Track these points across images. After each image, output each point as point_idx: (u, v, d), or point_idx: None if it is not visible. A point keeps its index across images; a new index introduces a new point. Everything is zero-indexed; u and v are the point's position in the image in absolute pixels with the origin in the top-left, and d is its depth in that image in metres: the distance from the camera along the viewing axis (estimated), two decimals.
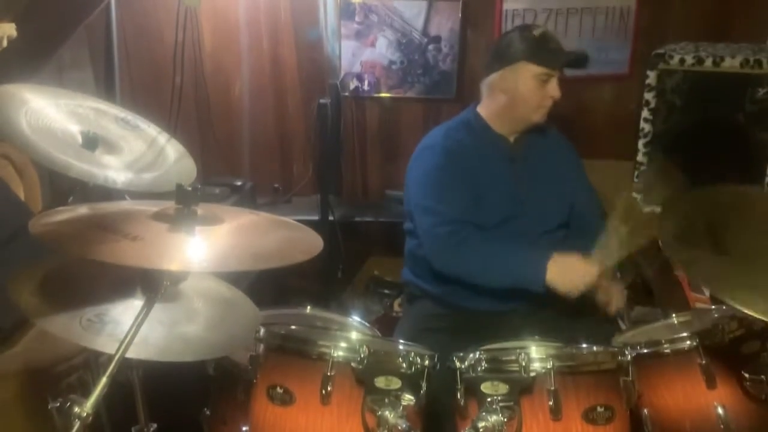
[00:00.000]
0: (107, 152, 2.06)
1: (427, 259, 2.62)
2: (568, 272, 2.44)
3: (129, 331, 1.48)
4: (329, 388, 1.87)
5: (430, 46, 3.94)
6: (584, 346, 2.03)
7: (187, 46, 3.83)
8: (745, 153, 3.35)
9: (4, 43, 2.51)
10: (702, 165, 3.38)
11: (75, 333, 1.56)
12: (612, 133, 4.00)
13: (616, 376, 1.93)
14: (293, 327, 2.12)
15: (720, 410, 1.94)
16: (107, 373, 1.43)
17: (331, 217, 3.69)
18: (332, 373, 1.88)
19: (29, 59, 2.95)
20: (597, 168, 3.10)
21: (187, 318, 1.75)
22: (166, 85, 3.84)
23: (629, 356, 1.95)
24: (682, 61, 3.39)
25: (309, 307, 2.39)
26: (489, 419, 1.82)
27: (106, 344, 1.53)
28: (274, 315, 2.27)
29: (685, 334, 2.02)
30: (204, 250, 1.57)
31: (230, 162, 4.12)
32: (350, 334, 2.11)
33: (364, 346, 1.90)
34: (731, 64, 3.31)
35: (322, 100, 3.57)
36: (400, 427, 1.83)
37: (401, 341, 2.12)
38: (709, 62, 3.35)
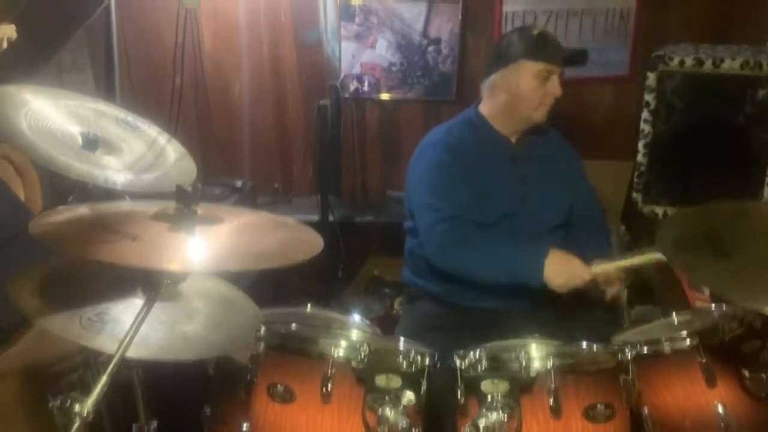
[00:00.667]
0: (107, 153, 2.06)
1: (426, 256, 2.63)
2: (564, 269, 2.44)
3: (129, 330, 1.48)
4: (330, 387, 1.87)
5: (430, 48, 3.95)
6: (584, 344, 2.04)
7: (187, 47, 3.83)
8: (746, 155, 3.35)
9: (5, 45, 2.51)
10: (702, 167, 3.40)
11: (75, 332, 1.56)
12: (612, 134, 4.00)
13: (617, 375, 1.93)
14: (294, 326, 2.12)
15: (720, 409, 1.94)
16: (107, 372, 1.43)
17: (331, 218, 3.70)
18: (333, 372, 1.88)
19: (29, 60, 2.95)
20: (597, 169, 3.10)
21: (188, 317, 1.74)
22: (166, 86, 3.84)
23: (629, 355, 1.95)
24: (682, 62, 3.40)
25: (309, 307, 2.39)
26: (489, 417, 1.83)
27: (107, 343, 1.53)
28: (275, 314, 2.27)
29: (685, 333, 2.02)
30: (204, 250, 1.57)
31: (230, 162, 4.13)
32: (351, 333, 2.12)
33: (365, 345, 1.91)
34: (731, 65, 3.31)
35: (322, 102, 3.58)
36: (400, 426, 1.84)
37: (402, 340, 2.12)
38: (709, 64, 3.35)
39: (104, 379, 1.43)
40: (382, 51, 3.96)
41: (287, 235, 1.75)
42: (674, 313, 2.32)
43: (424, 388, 1.95)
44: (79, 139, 2.02)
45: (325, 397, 1.87)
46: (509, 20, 3.90)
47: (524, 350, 1.91)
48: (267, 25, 3.97)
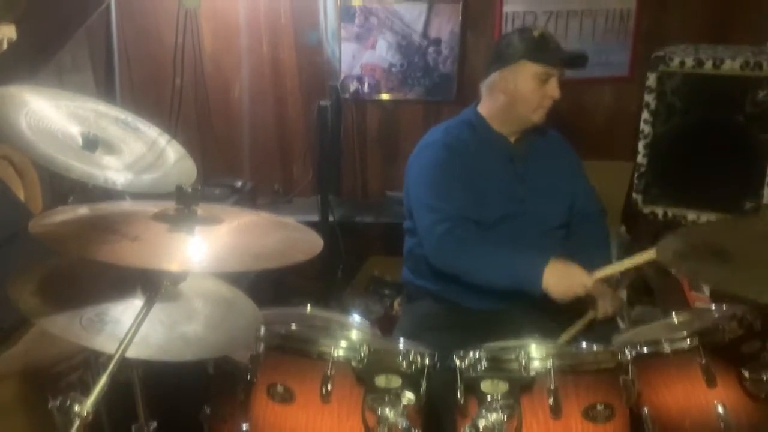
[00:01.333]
0: (107, 153, 2.06)
1: (426, 256, 2.63)
2: (564, 278, 2.43)
3: (129, 330, 1.48)
4: (329, 387, 1.87)
5: (430, 49, 3.95)
6: (584, 344, 2.04)
7: (187, 48, 3.84)
8: (746, 155, 3.35)
9: (5, 45, 2.51)
10: (702, 167, 3.40)
11: (75, 332, 1.56)
12: (612, 134, 4.01)
13: (616, 375, 1.93)
14: (293, 326, 2.12)
15: (720, 409, 1.94)
16: (107, 372, 1.44)
17: (331, 218, 3.70)
18: (332, 372, 1.88)
19: (29, 61, 2.95)
20: (597, 169, 3.10)
21: (187, 317, 1.75)
22: (166, 87, 3.84)
23: (629, 355, 1.95)
24: (682, 63, 3.40)
25: (309, 307, 2.39)
26: (489, 418, 1.82)
27: (106, 344, 1.53)
28: (275, 314, 2.27)
29: (685, 334, 2.02)
30: (204, 250, 1.57)
31: (230, 163, 4.13)
32: (350, 333, 2.12)
33: (365, 345, 1.91)
34: (731, 66, 3.31)
35: (322, 102, 3.57)
36: (400, 426, 1.83)
37: (401, 340, 2.12)
38: (709, 64, 3.35)
39: (104, 379, 1.43)
40: (382, 52, 3.97)
41: (287, 236, 1.76)
42: (674, 313, 2.32)
43: (423, 388, 1.95)
44: (79, 140, 2.02)
45: (325, 398, 1.87)
46: (509, 20, 3.90)
47: (524, 350, 1.91)
48: (267, 26, 3.97)
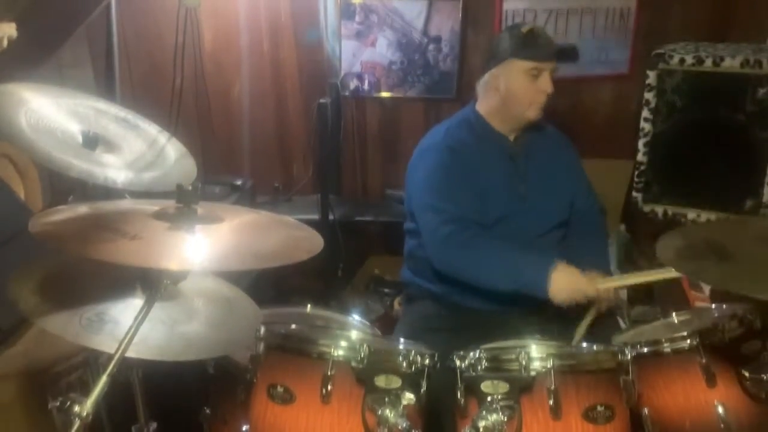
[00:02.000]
0: (107, 152, 2.06)
1: (429, 258, 2.62)
2: (568, 285, 2.42)
3: (129, 330, 1.48)
4: (329, 387, 1.87)
5: (431, 46, 3.94)
6: (584, 345, 2.04)
7: (187, 46, 3.82)
8: (746, 153, 3.35)
9: (5, 43, 2.50)
10: (702, 165, 3.40)
11: (75, 332, 1.56)
12: (612, 132, 4.00)
13: (616, 376, 1.93)
14: (294, 326, 2.12)
15: (720, 409, 1.94)
16: (107, 373, 1.43)
17: (331, 217, 3.69)
18: (332, 372, 1.88)
19: (29, 59, 2.95)
20: (597, 167, 3.10)
21: (187, 317, 1.75)
22: (166, 85, 3.83)
23: (629, 355, 1.95)
24: (682, 61, 3.39)
25: (309, 306, 2.39)
26: (489, 418, 1.83)
27: (106, 343, 1.53)
28: (275, 314, 2.27)
29: (685, 333, 2.02)
30: (204, 249, 1.57)
31: (230, 161, 4.13)
32: (350, 334, 2.11)
33: (365, 346, 1.91)
34: (731, 64, 3.31)
35: (322, 100, 3.57)
36: (400, 426, 1.83)
37: (401, 340, 2.12)
38: (709, 62, 3.35)
39: (104, 379, 1.43)
40: (382, 49, 3.96)
41: (287, 235, 1.76)
42: (674, 313, 2.32)
43: (423, 388, 1.96)
44: (79, 138, 2.02)
45: (325, 398, 1.87)
46: (509, 18, 3.90)
47: (524, 351, 1.91)
48: (267, 24, 3.96)
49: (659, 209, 3.56)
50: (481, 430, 1.82)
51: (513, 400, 1.87)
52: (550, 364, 1.88)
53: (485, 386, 1.90)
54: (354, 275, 3.96)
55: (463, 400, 1.92)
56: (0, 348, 2.08)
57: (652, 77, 3.45)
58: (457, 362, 1.96)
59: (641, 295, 3.52)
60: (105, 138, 2.07)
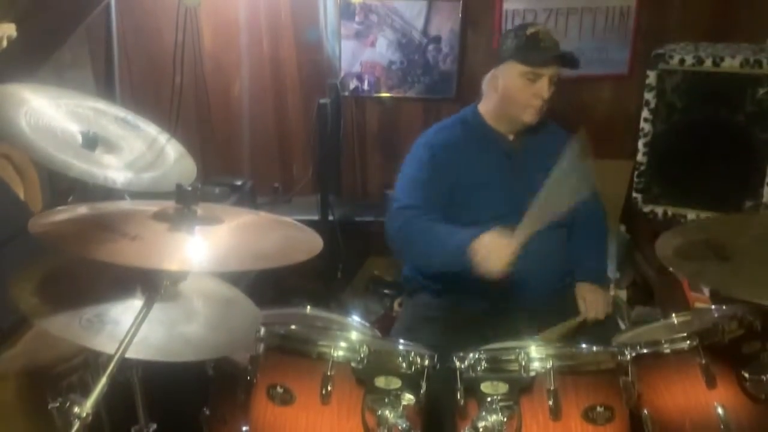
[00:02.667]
0: (107, 152, 2.06)
1: None
2: (491, 251, 2.32)
3: (129, 330, 1.48)
4: (329, 388, 1.87)
5: (430, 46, 3.94)
6: (584, 345, 2.04)
7: (187, 46, 3.83)
8: (746, 153, 3.35)
9: (4, 43, 2.50)
10: (702, 166, 3.40)
11: (75, 333, 1.56)
12: (612, 133, 3.99)
13: (616, 376, 1.93)
14: (293, 327, 2.12)
15: (720, 410, 1.94)
16: (107, 373, 1.43)
17: (330, 217, 3.69)
18: (332, 373, 1.88)
19: (29, 59, 2.95)
20: (597, 168, 3.08)
21: (187, 318, 1.75)
22: (166, 85, 3.83)
23: (629, 356, 1.95)
24: (682, 61, 3.39)
25: (309, 307, 2.39)
26: (489, 419, 1.83)
27: (106, 344, 1.53)
28: (274, 315, 2.27)
29: (685, 334, 2.02)
30: (204, 249, 1.57)
31: (230, 162, 4.13)
32: (350, 334, 2.11)
33: (364, 346, 1.91)
34: (731, 64, 3.31)
35: (322, 100, 3.57)
36: (400, 427, 1.83)
37: (401, 341, 2.12)
38: (709, 62, 3.35)
39: (104, 380, 1.43)
40: (382, 49, 3.96)
41: (287, 235, 1.76)
42: (674, 314, 2.32)
43: (423, 389, 1.95)
44: (79, 138, 2.02)
45: (325, 398, 1.87)
46: (509, 18, 3.89)
47: (524, 351, 1.91)
48: (267, 24, 3.96)
49: (659, 209, 3.56)
50: (480, 430, 1.82)
51: (512, 400, 1.87)
52: (549, 364, 1.88)
53: (485, 387, 1.90)
54: (354, 276, 3.96)
55: (462, 400, 1.92)
56: (0, 348, 2.09)
57: (652, 77, 3.45)
58: (457, 363, 1.95)
59: (641, 295, 3.52)
60: (105, 138, 2.07)
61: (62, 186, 2.19)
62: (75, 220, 1.64)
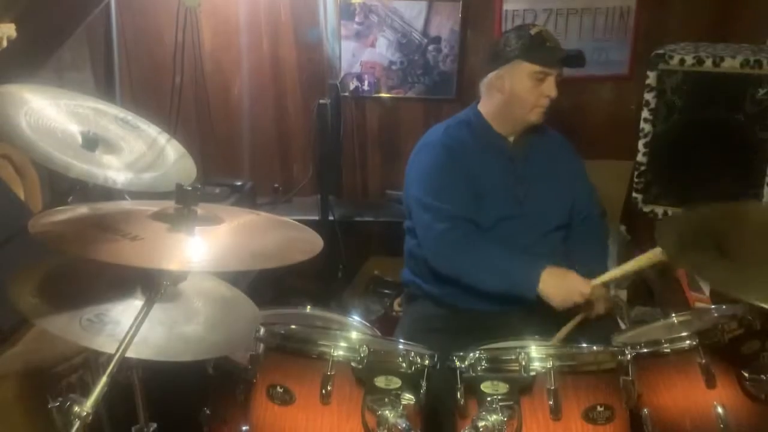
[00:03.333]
0: (107, 152, 2.05)
1: (424, 256, 2.62)
2: (561, 286, 2.43)
3: (129, 330, 1.48)
4: (329, 388, 1.87)
5: (430, 47, 3.94)
6: (584, 345, 2.04)
7: (187, 47, 3.83)
8: (746, 153, 3.34)
9: (4, 44, 2.50)
10: (702, 166, 3.39)
11: (75, 333, 1.56)
12: (612, 133, 3.99)
13: (616, 376, 1.93)
14: (293, 326, 2.12)
15: (720, 410, 1.94)
16: (107, 373, 1.43)
17: (331, 217, 3.69)
18: (332, 373, 1.88)
19: (29, 59, 2.95)
20: (597, 168, 3.10)
21: (187, 318, 1.75)
22: (166, 85, 3.84)
23: (629, 356, 1.95)
24: (682, 61, 3.39)
25: (309, 307, 2.39)
26: (489, 419, 1.82)
27: (106, 344, 1.53)
28: (274, 315, 2.27)
29: (684, 334, 2.03)
30: (204, 249, 1.57)
31: (230, 162, 4.13)
32: (350, 334, 2.11)
33: (364, 346, 1.91)
34: (731, 64, 3.30)
35: (322, 101, 3.57)
36: (399, 427, 1.83)
37: (401, 341, 2.12)
38: (709, 62, 3.34)
39: (104, 380, 1.43)
40: (382, 50, 3.96)
41: (287, 235, 1.76)
42: (674, 313, 2.32)
43: (423, 389, 1.95)
44: (79, 139, 2.01)
45: (325, 398, 1.87)
46: (509, 18, 3.90)
47: (524, 351, 1.91)
48: (267, 24, 3.97)
49: (659, 210, 3.55)
50: (480, 430, 1.81)
51: (513, 400, 1.87)
52: (549, 364, 1.88)
53: (485, 386, 1.89)
54: (354, 276, 3.96)
55: (462, 400, 1.91)
56: (0, 348, 2.09)
57: (652, 78, 3.45)
58: (457, 362, 1.95)
59: (641, 295, 3.52)
60: (105, 138, 2.07)
61: (62, 186, 2.18)
62: (75, 221, 1.64)
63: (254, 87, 4.06)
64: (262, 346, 1.96)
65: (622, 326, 2.73)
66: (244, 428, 1.97)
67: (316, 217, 3.62)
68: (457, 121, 2.78)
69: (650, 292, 3.55)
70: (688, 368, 1.99)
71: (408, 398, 1.90)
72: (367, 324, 2.39)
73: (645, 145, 3.52)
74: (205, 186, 3.39)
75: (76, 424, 1.39)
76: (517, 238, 2.61)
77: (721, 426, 1.93)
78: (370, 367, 1.90)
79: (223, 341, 1.77)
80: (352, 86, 4.00)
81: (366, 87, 4.02)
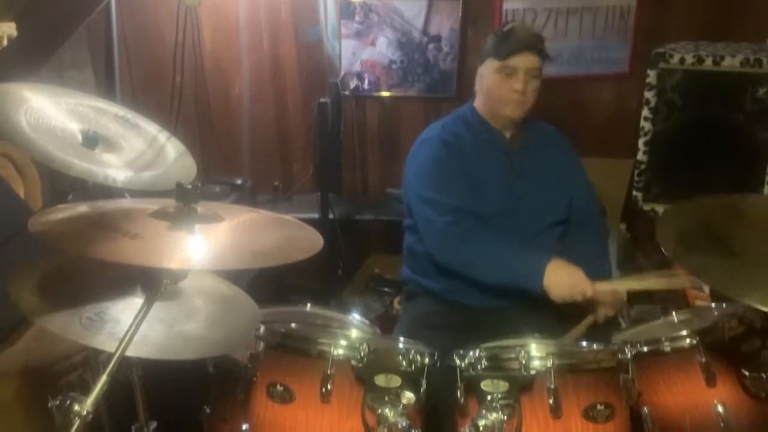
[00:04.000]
0: (107, 151, 2.05)
1: (427, 251, 2.63)
2: (566, 280, 2.43)
3: (129, 329, 1.48)
4: (329, 386, 1.87)
5: (431, 46, 3.94)
6: (584, 344, 2.04)
7: (187, 45, 3.83)
8: (746, 152, 3.35)
9: (4, 43, 2.50)
10: (702, 164, 3.39)
11: (75, 331, 1.56)
12: (612, 132, 4.00)
13: (616, 374, 1.93)
14: (293, 325, 2.12)
15: (720, 408, 1.94)
16: (107, 371, 1.43)
17: (331, 216, 3.69)
18: (332, 371, 1.88)
19: (29, 58, 2.95)
20: (597, 167, 3.10)
21: (187, 316, 1.75)
22: (167, 84, 3.84)
23: (629, 354, 1.95)
24: (682, 60, 3.39)
25: (309, 305, 2.39)
26: (489, 417, 1.82)
27: (106, 342, 1.53)
28: (274, 313, 2.27)
29: (685, 332, 2.02)
30: (204, 248, 1.57)
31: (230, 160, 4.13)
32: (350, 332, 2.11)
33: (364, 344, 1.91)
34: (731, 63, 3.31)
35: (322, 99, 3.57)
36: (400, 426, 1.83)
37: (401, 339, 2.12)
38: (709, 61, 3.35)
39: (104, 378, 1.43)
40: (382, 48, 3.96)
41: (287, 233, 1.76)
42: (674, 312, 2.32)
43: (423, 387, 1.95)
44: (79, 137, 2.01)
45: (325, 397, 1.87)
46: (509, 17, 3.90)
47: (524, 350, 1.91)
48: (267, 23, 3.97)
49: (659, 208, 3.56)
50: (480, 429, 1.82)
51: (513, 398, 1.87)
52: (550, 363, 1.88)
53: (485, 385, 1.90)
54: (354, 274, 3.96)
55: (462, 398, 1.92)
56: (0, 346, 2.09)
57: (652, 76, 3.45)
58: (457, 361, 1.95)
59: (641, 294, 3.51)
60: (105, 137, 2.07)
61: (62, 185, 2.18)
62: (75, 219, 1.64)
63: (254, 85, 4.06)
64: (262, 344, 1.96)
65: (623, 324, 2.72)
66: (244, 427, 1.97)
67: (316, 216, 3.62)
68: (454, 117, 2.81)
69: (650, 291, 3.54)
70: (688, 367, 1.98)
71: (408, 397, 1.90)
72: (367, 322, 2.38)
73: (645, 144, 3.53)
74: (205, 184, 3.39)
75: (76, 422, 1.39)
76: (515, 232, 2.61)
77: (722, 424, 1.93)
78: (370, 365, 1.90)
79: (223, 339, 1.77)
80: (352, 85, 4.01)
81: (366, 86, 4.02)
